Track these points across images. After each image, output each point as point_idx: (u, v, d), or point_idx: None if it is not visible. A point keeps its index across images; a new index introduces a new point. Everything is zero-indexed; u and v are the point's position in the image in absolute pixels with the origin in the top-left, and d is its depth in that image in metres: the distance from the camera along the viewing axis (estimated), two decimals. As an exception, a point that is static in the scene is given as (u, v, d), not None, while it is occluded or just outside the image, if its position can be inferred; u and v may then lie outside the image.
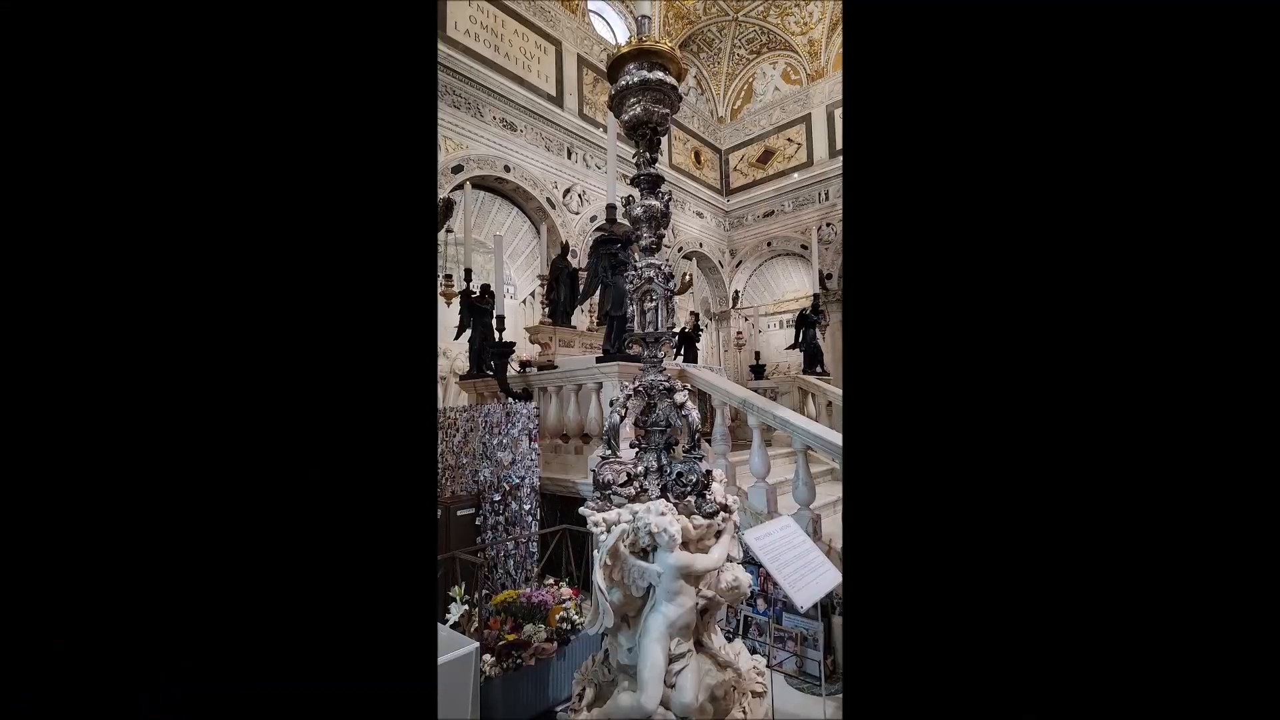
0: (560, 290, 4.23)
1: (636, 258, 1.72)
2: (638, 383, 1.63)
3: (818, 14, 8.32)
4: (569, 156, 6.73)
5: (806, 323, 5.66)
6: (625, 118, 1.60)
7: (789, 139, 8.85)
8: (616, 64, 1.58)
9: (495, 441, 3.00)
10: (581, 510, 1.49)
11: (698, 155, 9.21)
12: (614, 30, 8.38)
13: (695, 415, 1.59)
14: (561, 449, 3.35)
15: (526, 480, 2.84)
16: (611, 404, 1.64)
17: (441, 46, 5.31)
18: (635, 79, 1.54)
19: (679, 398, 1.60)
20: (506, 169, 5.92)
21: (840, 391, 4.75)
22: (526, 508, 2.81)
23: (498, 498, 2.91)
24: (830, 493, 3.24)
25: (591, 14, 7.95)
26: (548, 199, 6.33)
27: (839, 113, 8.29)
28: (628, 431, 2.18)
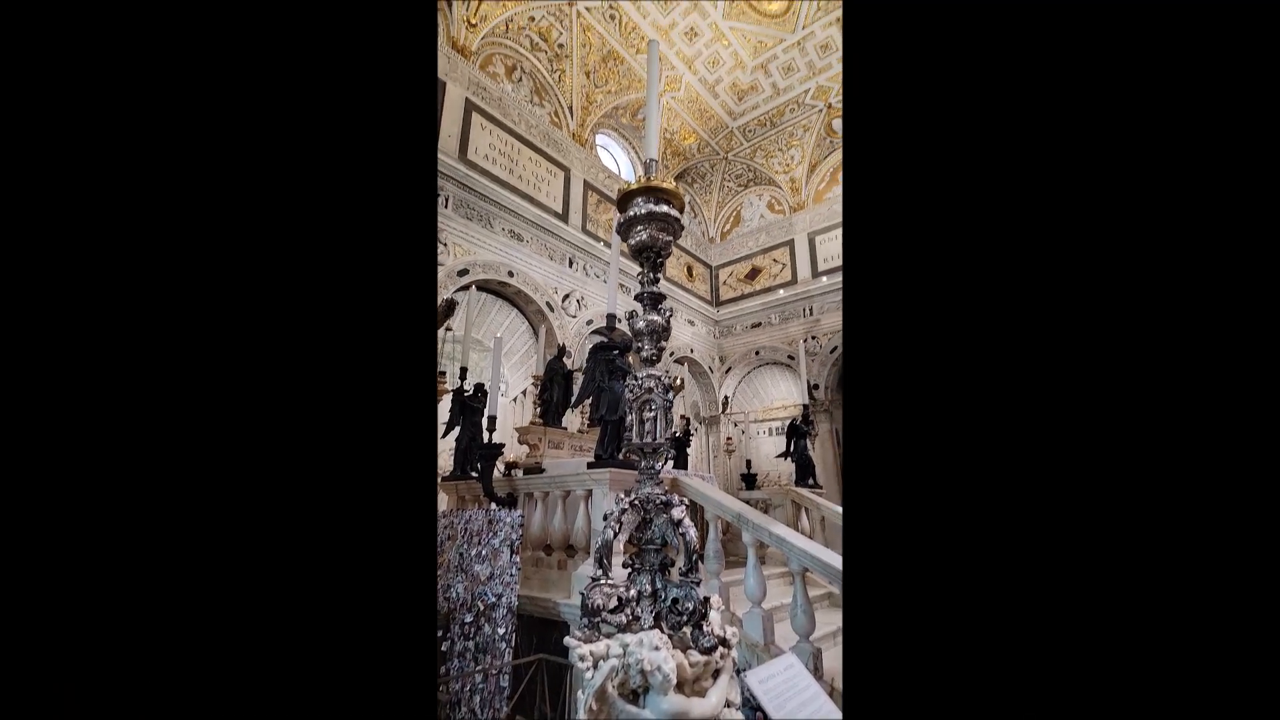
0: (554, 391, 4.25)
1: (635, 366, 1.76)
2: (634, 496, 1.57)
3: (798, 157, 9.44)
4: (570, 265, 7.14)
5: (797, 433, 5.66)
6: (632, 242, 1.73)
7: (774, 259, 9.55)
8: (626, 198, 1.74)
9: (473, 552, 2.81)
10: (567, 641, 1.36)
11: (690, 269, 9.84)
12: (617, 161, 9.37)
13: (693, 534, 1.52)
14: (543, 563, 3.14)
15: (504, 599, 2.61)
16: (605, 518, 1.57)
17: (460, 167, 5.86)
18: (643, 210, 1.68)
19: (676, 513, 1.54)
20: (510, 274, 6.25)
21: (835, 507, 4.62)
22: (501, 631, 2.56)
23: (469, 618, 2.65)
24: (830, 621, 3.01)
25: (599, 147, 8.93)
26: (547, 303, 6.61)
27: (819, 239, 9.05)
28: (618, 548, 2.06)
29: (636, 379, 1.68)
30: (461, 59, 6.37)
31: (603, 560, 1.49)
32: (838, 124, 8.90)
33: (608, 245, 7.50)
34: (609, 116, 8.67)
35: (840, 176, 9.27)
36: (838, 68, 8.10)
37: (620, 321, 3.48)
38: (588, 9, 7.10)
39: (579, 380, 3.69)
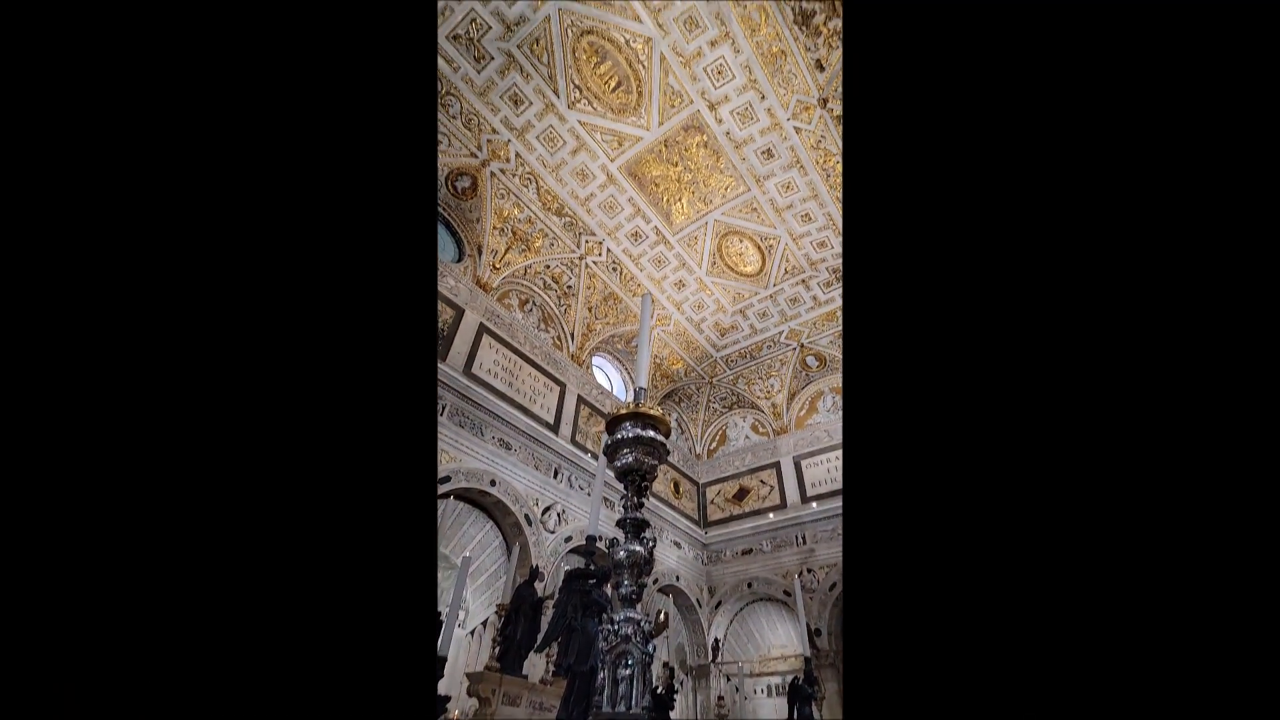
0: (519, 625, 3.68)
1: (613, 600, 1.55)
2: (597, 802, 1.20)
3: (778, 386, 10.23)
4: (555, 476, 7.01)
5: (799, 695, 4.76)
6: (618, 464, 1.71)
7: (761, 480, 9.50)
8: (615, 421, 1.78)
9: None
10: None
11: (677, 486, 9.67)
12: (610, 379, 10.08)
13: None
14: None
15: None
16: (557, 836, 1.17)
17: (463, 379, 6.23)
18: (630, 434, 1.71)
19: (652, 834, 1.15)
20: (492, 483, 6.07)
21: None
22: None
23: None
24: None
25: (595, 367, 9.71)
26: (526, 515, 6.27)
27: (805, 463, 9.16)
28: None
29: (613, 623, 1.47)
30: (482, 292, 7.37)
31: None
32: (812, 360, 9.91)
33: (595, 457, 7.50)
34: (606, 343, 9.65)
35: (818, 405, 9.89)
36: (806, 316, 9.40)
37: (600, 540, 3.23)
38: (594, 262, 8.57)
39: (549, 611, 3.23)
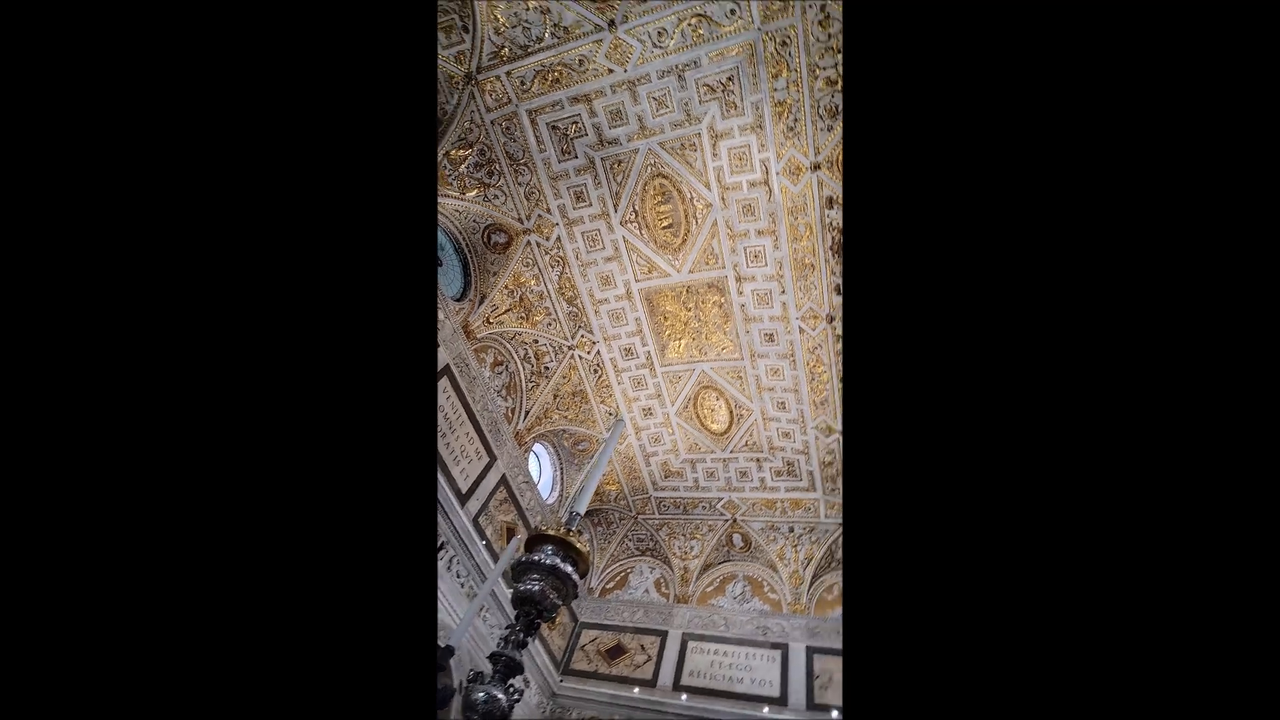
0: None
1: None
2: None
3: (697, 549, 9.85)
4: (439, 551, 6.32)
5: None
6: (522, 588, 1.54)
7: (642, 645, 8.69)
8: (538, 539, 1.65)
9: None
10: None
11: (555, 614, 8.78)
12: (541, 470, 9.63)
13: None
14: None
15: None
16: None
17: (401, 410, 5.88)
18: (548, 560, 1.57)
19: None
20: (370, 529, 5.43)
21: None
22: None
23: None
24: None
25: (532, 452, 9.32)
26: (386, 581, 5.51)
27: (691, 645, 8.47)
28: None
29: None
30: (464, 338, 7.30)
31: None
32: (738, 539, 9.70)
33: (489, 550, 6.87)
34: (555, 434, 9.39)
35: (727, 589, 9.45)
36: (749, 494, 9.41)
37: (454, 652, 2.81)
38: (580, 357, 8.67)
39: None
